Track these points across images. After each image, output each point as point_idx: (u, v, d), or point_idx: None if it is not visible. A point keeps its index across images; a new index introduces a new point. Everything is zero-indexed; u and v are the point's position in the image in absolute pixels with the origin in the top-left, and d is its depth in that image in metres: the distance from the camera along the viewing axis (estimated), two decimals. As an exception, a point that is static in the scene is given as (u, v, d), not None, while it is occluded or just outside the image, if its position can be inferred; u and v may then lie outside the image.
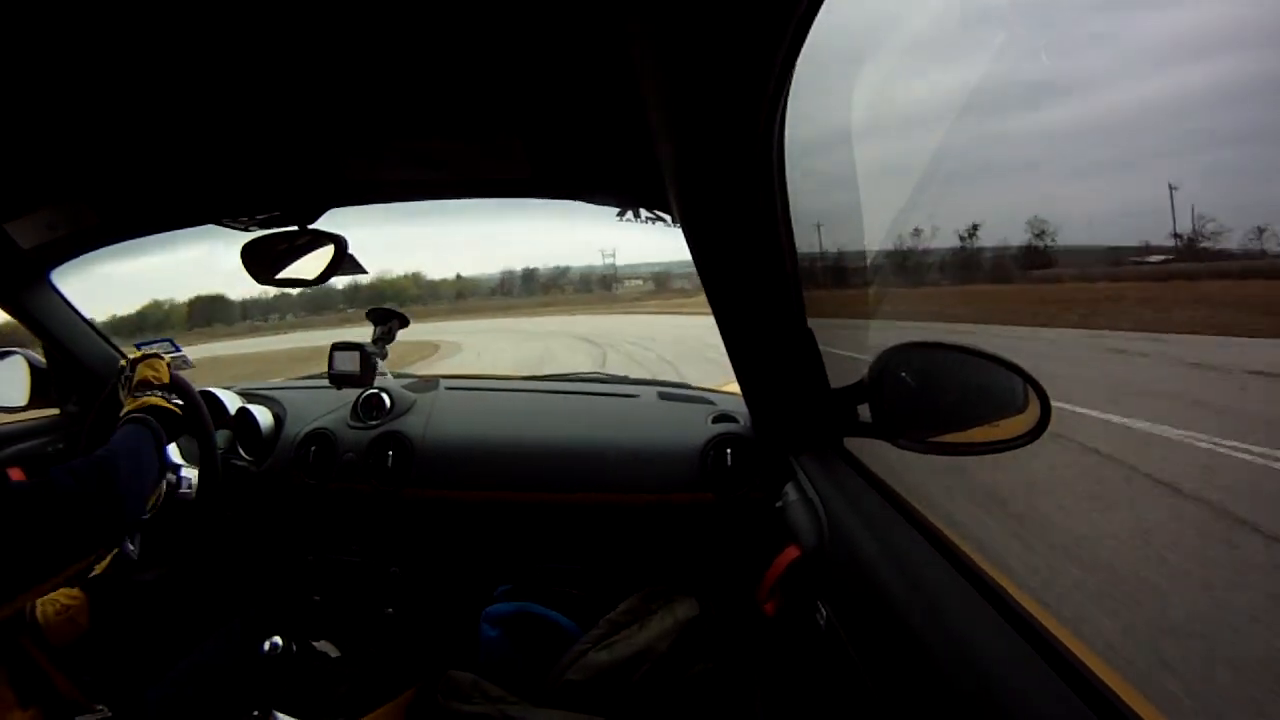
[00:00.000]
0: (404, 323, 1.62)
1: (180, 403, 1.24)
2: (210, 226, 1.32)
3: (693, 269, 0.95)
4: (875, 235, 1.08)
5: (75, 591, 1.14)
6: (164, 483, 1.24)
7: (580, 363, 12.94)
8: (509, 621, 1.40)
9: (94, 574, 1.16)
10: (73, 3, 0.68)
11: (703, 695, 1.26)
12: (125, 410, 1.17)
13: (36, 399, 1.67)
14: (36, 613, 1.08)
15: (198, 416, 1.29)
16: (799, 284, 0.92)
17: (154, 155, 1.09)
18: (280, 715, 1.25)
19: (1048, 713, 0.46)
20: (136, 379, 1.24)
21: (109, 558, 1.19)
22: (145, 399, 1.19)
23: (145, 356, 1.29)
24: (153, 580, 1.40)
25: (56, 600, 1.11)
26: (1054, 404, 0.78)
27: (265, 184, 1.21)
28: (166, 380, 1.26)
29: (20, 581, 0.83)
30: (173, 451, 1.30)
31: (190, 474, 1.32)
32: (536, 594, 1.45)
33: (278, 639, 1.29)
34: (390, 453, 1.49)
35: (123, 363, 1.32)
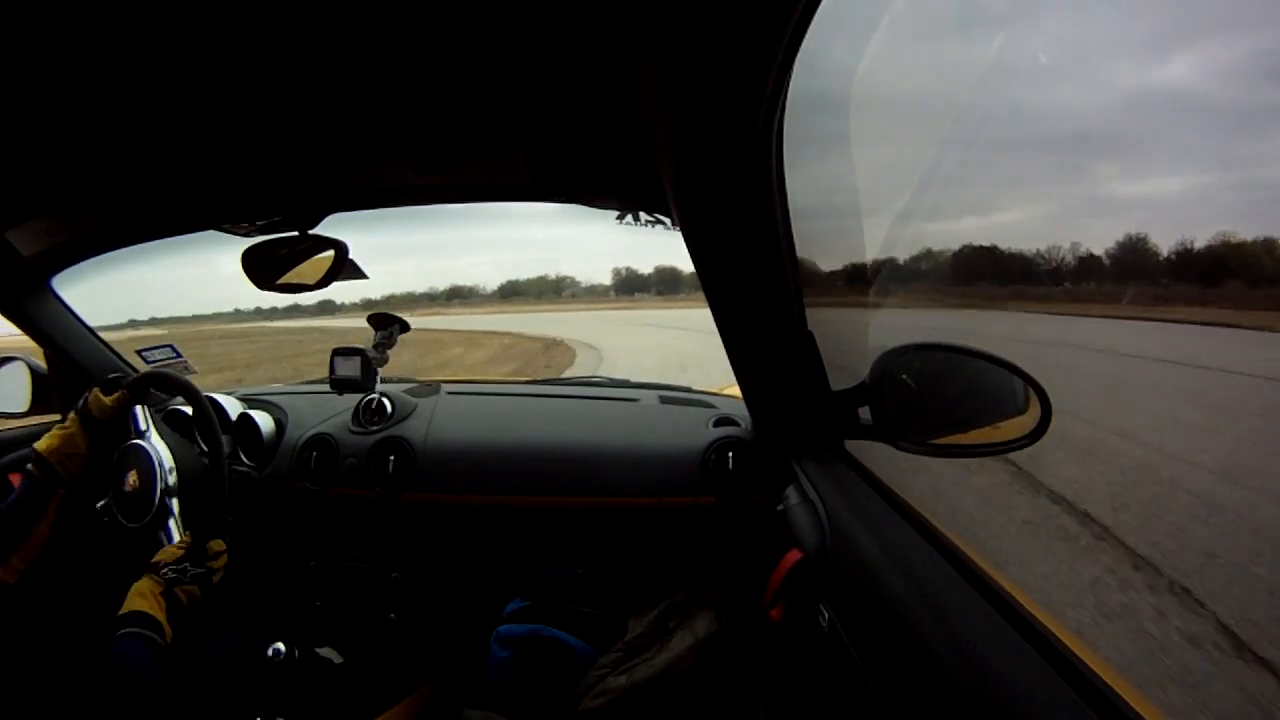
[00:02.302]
0: (404, 328, 1.62)
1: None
2: (211, 232, 1.33)
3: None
4: (876, 237, 1.08)
5: (71, 425, 1.22)
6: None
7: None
8: (520, 643, 1.41)
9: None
10: (74, 9, 0.68)
11: (707, 699, 1.26)
12: (154, 614, 1.07)
13: (38, 405, 1.67)
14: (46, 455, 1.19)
15: (209, 428, 1.29)
16: (799, 286, 0.92)
17: (155, 161, 1.09)
18: None
19: (1050, 714, 0.46)
20: (181, 590, 1.14)
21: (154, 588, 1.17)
22: (163, 617, 1.08)
23: (206, 575, 1.19)
24: None
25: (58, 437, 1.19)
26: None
27: (266, 189, 1.21)
28: (187, 605, 1.16)
29: None
30: (166, 465, 1.30)
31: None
32: (548, 613, 1.45)
33: (280, 645, 1.29)
34: (392, 458, 1.49)
35: (214, 546, 1.22)
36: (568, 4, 0.68)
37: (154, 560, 1.17)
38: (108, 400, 1.29)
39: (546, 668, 1.37)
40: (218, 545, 1.25)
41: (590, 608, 1.47)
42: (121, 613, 1.07)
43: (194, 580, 1.18)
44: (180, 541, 1.23)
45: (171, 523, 1.27)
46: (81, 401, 1.30)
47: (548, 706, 1.31)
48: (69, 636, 1.13)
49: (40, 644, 0.91)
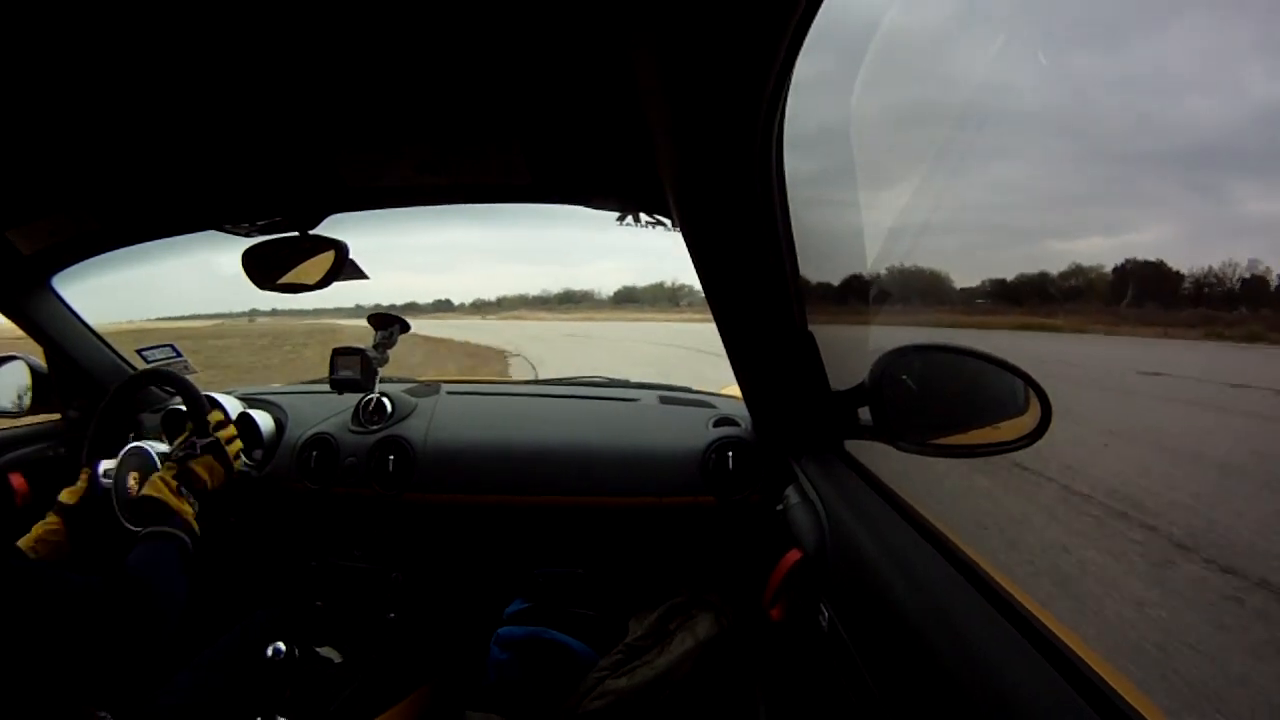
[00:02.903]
0: (405, 328, 1.62)
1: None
2: (211, 232, 1.33)
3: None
4: (877, 238, 1.08)
5: (53, 522, 1.16)
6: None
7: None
8: (520, 645, 1.41)
9: (66, 503, 1.18)
10: (75, 9, 0.68)
11: (708, 701, 1.26)
12: (163, 496, 1.10)
13: (38, 404, 1.67)
14: (25, 550, 1.11)
15: (203, 422, 1.29)
16: (799, 287, 0.92)
17: (155, 161, 1.09)
18: None
19: (1049, 713, 0.46)
20: (193, 466, 1.18)
21: (81, 485, 1.21)
22: (185, 507, 1.12)
23: (219, 451, 1.23)
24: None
25: (39, 530, 1.14)
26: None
27: (266, 190, 1.21)
28: (213, 488, 1.21)
29: (48, 684, 0.84)
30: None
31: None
32: (548, 615, 1.45)
33: (280, 644, 1.29)
34: (392, 457, 1.49)
35: (214, 418, 1.26)
36: (568, 4, 0.68)
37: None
38: (75, 488, 1.24)
39: (546, 670, 1.37)
40: (216, 415, 1.28)
41: (590, 609, 1.47)
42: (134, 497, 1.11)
43: (206, 451, 1.21)
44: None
45: None
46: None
47: (548, 709, 1.31)
48: None
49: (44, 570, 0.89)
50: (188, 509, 1.12)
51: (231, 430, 1.29)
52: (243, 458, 1.30)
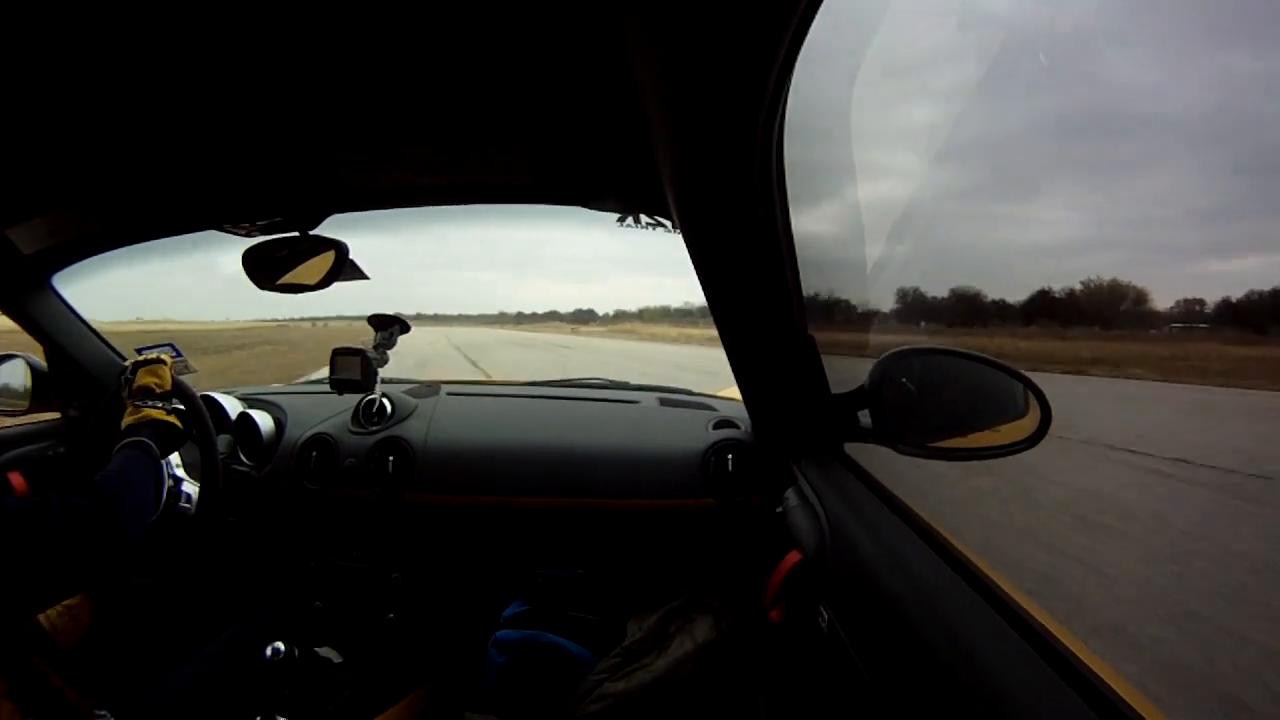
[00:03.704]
0: (405, 328, 1.62)
1: (181, 408, 1.24)
2: (211, 232, 1.33)
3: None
4: (877, 239, 1.09)
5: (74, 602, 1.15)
6: (163, 497, 1.23)
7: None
8: (517, 648, 1.40)
9: None
10: (75, 8, 0.69)
11: (707, 705, 1.26)
12: (125, 421, 1.16)
13: (38, 403, 1.67)
14: (40, 619, 1.09)
15: (200, 423, 1.29)
16: (799, 290, 0.92)
17: (155, 160, 1.09)
18: None
19: (1048, 713, 0.46)
20: (137, 384, 1.23)
21: None
22: (145, 411, 1.18)
23: (147, 361, 1.28)
24: (152, 585, 1.40)
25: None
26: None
27: (266, 190, 1.21)
28: (168, 387, 1.25)
29: (17, 604, 0.84)
30: (174, 461, 1.30)
31: (191, 489, 1.33)
32: (546, 618, 1.45)
33: (279, 645, 1.29)
34: (391, 458, 1.49)
35: (125, 364, 1.31)
36: (568, 5, 0.68)
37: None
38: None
39: (544, 673, 1.37)
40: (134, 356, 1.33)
41: (589, 611, 1.47)
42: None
43: (135, 370, 1.25)
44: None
45: None
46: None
47: (546, 712, 1.31)
48: None
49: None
50: (149, 411, 1.17)
51: (153, 353, 1.32)
52: (166, 355, 1.34)
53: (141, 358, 1.30)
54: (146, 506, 1.04)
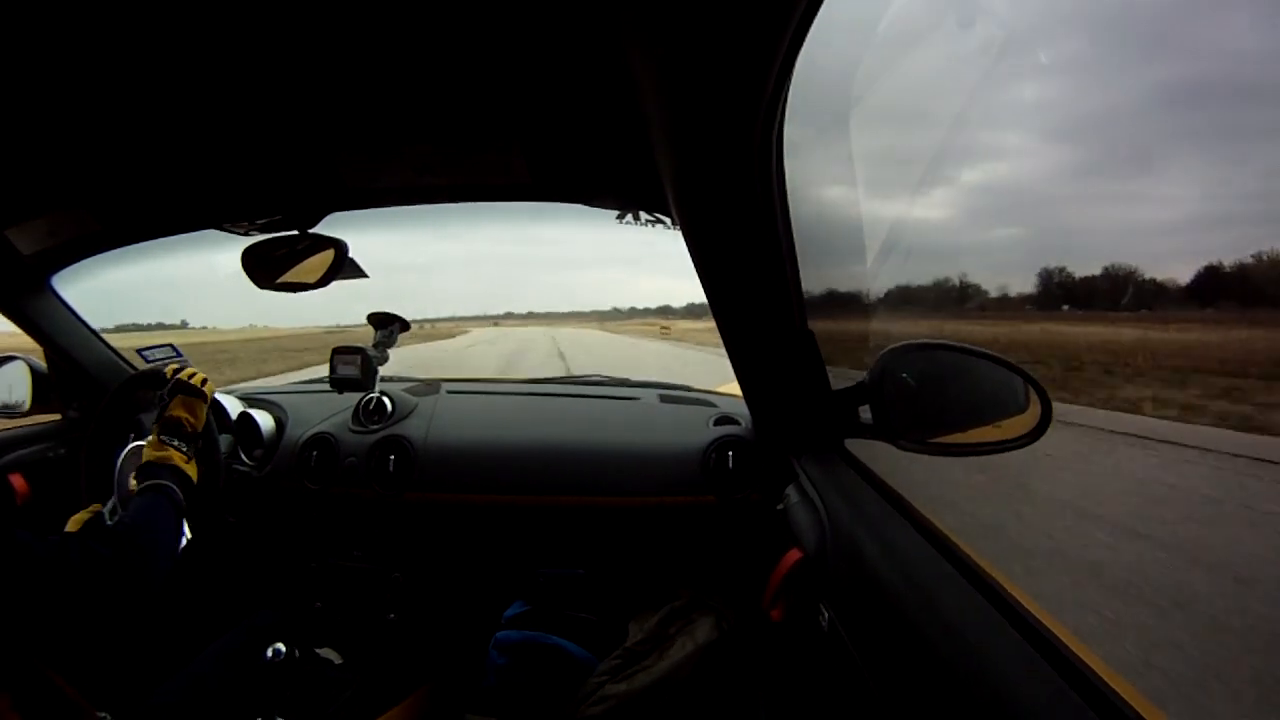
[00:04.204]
0: (404, 327, 1.62)
1: (200, 451, 1.20)
2: (211, 231, 1.33)
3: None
4: (877, 234, 1.08)
5: None
6: (182, 543, 1.17)
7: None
8: (518, 649, 1.41)
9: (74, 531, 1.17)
10: (75, 8, 0.68)
11: (708, 706, 1.26)
12: (149, 454, 1.11)
13: (38, 404, 1.67)
14: None
15: (158, 376, 1.29)
16: (799, 286, 0.92)
17: (154, 160, 1.09)
18: None
19: (1048, 713, 0.46)
20: (170, 412, 1.17)
21: (86, 516, 1.19)
22: (170, 453, 1.11)
23: (189, 389, 1.21)
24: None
25: None
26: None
27: (266, 189, 1.21)
28: (200, 428, 1.19)
29: (25, 641, 0.83)
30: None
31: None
32: (547, 619, 1.45)
33: (280, 645, 1.29)
34: (392, 457, 1.49)
35: (167, 372, 1.25)
36: (567, 5, 0.68)
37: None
38: (79, 517, 1.22)
39: (545, 675, 1.37)
40: (171, 366, 1.27)
41: (590, 611, 1.47)
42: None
43: (174, 393, 1.19)
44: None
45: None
46: None
47: (547, 714, 1.31)
48: None
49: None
50: (174, 454, 1.11)
51: (190, 369, 1.27)
52: (210, 383, 1.27)
53: (184, 375, 1.24)
54: (166, 556, 1.00)
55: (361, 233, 1.30)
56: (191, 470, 1.13)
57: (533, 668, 1.38)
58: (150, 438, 1.15)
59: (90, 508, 1.21)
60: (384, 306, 1.79)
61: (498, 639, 1.43)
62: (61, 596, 0.83)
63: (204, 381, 1.25)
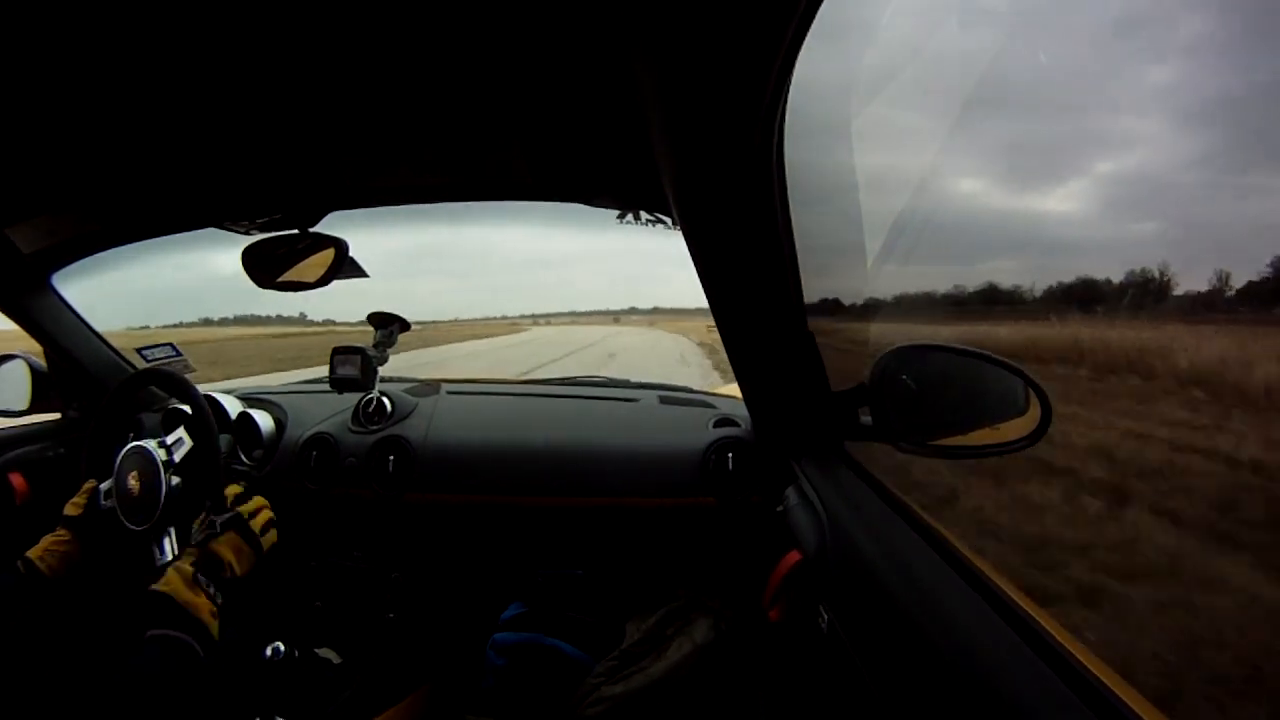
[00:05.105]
0: (404, 327, 1.62)
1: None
2: (212, 229, 1.33)
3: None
4: (878, 235, 1.08)
5: (63, 534, 1.15)
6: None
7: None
8: (516, 651, 1.40)
9: (72, 515, 1.18)
10: (75, 7, 0.68)
11: (706, 707, 1.26)
12: (175, 589, 0.96)
13: (38, 403, 1.67)
14: (34, 559, 1.10)
15: (202, 421, 1.29)
16: (799, 287, 0.92)
17: (155, 159, 1.09)
18: None
19: (1047, 715, 0.46)
20: (214, 547, 1.05)
21: (82, 501, 1.20)
22: (202, 601, 0.96)
23: (244, 527, 1.10)
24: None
25: (47, 542, 1.12)
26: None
27: (266, 187, 1.21)
28: (238, 576, 1.06)
29: None
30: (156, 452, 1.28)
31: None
32: (545, 620, 1.45)
33: (280, 644, 1.28)
34: (391, 457, 1.49)
35: (230, 491, 1.16)
36: (568, 6, 0.68)
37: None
38: (77, 501, 1.21)
39: (542, 676, 1.37)
40: (234, 489, 1.15)
41: (588, 612, 1.46)
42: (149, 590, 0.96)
43: (227, 527, 1.06)
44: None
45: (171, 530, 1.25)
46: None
47: (545, 716, 1.31)
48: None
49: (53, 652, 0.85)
50: (204, 602, 0.97)
51: (258, 501, 1.17)
52: (273, 531, 1.18)
53: (246, 510, 1.13)
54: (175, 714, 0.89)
55: (360, 231, 1.31)
56: (214, 629, 0.96)
57: (530, 669, 1.38)
58: (183, 562, 1.01)
59: (85, 487, 1.22)
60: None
61: (495, 640, 1.43)
62: None
63: (265, 530, 1.14)
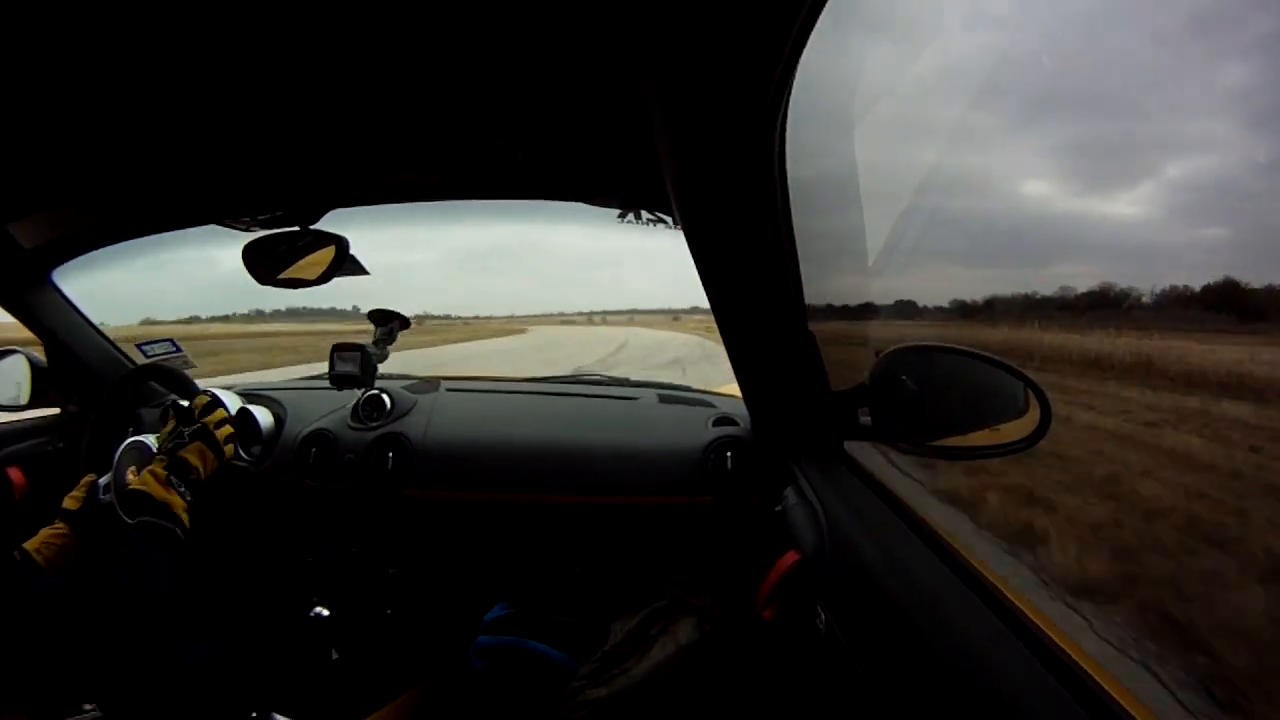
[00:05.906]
0: (405, 324, 1.62)
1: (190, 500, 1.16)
2: (212, 226, 1.33)
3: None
4: (879, 235, 1.08)
5: (60, 527, 1.16)
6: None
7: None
8: (495, 655, 1.40)
9: (70, 509, 1.19)
10: (77, 4, 0.68)
11: (691, 707, 1.26)
12: (151, 489, 1.07)
13: (37, 398, 1.67)
14: (30, 551, 1.11)
15: (187, 408, 1.29)
16: (800, 286, 0.92)
17: (156, 155, 1.09)
18: (279, 717, 1.24)
19: (1045, 716, 0.46)
20: (183, 455, 1.15)
21: (81, 494, 1.21)
22: (175, 499, 1.09)
23: (209, 437, 1.20)
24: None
25: (45, 535, 1.14)
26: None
27: (267, 184, 1.21)
28: (204, 480, 1.17)
29: (29, 681, 0.85)
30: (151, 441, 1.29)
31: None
32: (528, 623, 1.44)
33: (322, 609, 1.29)
34: (390, 454, 1.49)
35: (198, 402, 1.25)
36: (570, 5, 0.68)
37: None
38: (75, 495, 1.24)
39: (525, 681, 1.36)
40: (202, 399, 1.27)
41: (577, 611, 1.45)
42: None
43: (195, 438, 1.18)
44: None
45: None
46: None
47: (526, 717, 1.30)
48: None
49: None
50: (176, 500, 1.09)
51: (220, 413, 1.26)
52: (236, 446, 1.28)
53: (211, 422, 1.22)
54: (160, 607, 0.97)
55: (362, 229, 1.30)
56: (186, 520, 1.09)
57: (511, 672, 1.37)
58: (154, 467, 1.12)
59: (84, 481, 1.23)
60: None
61: (478, 644, 1.42)
62: (54, 641, 0.85)
63: (228, 440, 1.24)
